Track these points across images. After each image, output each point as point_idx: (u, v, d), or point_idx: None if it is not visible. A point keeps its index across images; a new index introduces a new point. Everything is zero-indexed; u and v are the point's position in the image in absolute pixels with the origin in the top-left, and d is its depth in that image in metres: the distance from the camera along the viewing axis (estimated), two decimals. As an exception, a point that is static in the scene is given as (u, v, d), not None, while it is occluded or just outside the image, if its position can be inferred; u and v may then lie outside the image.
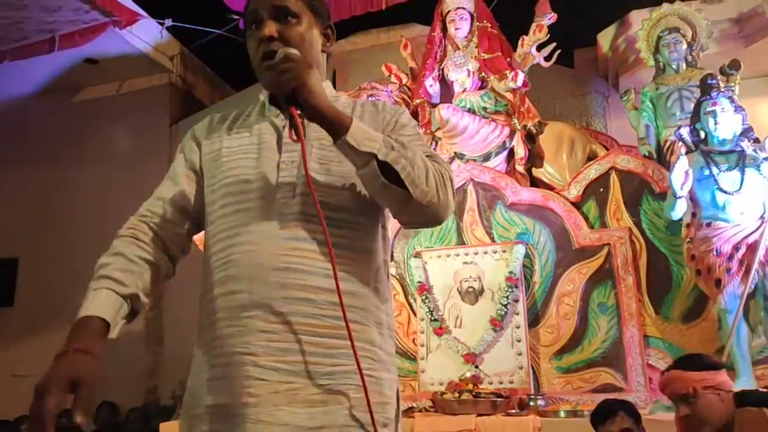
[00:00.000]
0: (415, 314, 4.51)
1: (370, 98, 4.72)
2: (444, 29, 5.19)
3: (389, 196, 1.26)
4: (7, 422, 5.00)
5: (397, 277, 4.60)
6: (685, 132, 4.11)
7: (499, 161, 4.78)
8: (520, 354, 4.13)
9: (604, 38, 5.89)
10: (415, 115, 4.87)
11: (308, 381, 1.22)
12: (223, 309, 1.27)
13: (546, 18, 4.81)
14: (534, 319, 4.28)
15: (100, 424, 5.50)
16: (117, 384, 5.79)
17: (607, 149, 4.89)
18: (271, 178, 1.33)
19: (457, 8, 5.10)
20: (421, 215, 1.29)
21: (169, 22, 6.11)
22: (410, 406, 4.07)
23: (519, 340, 4.16)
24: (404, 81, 5.27)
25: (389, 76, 5.31)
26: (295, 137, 1.22)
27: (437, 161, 1.33)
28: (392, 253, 4.56)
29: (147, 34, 6.25)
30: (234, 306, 1.26)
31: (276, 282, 1.24)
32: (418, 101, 5.09)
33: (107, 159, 6.05)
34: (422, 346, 4.36)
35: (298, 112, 1.23)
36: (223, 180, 1.36)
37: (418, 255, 4.56)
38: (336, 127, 1.23)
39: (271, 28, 1.31)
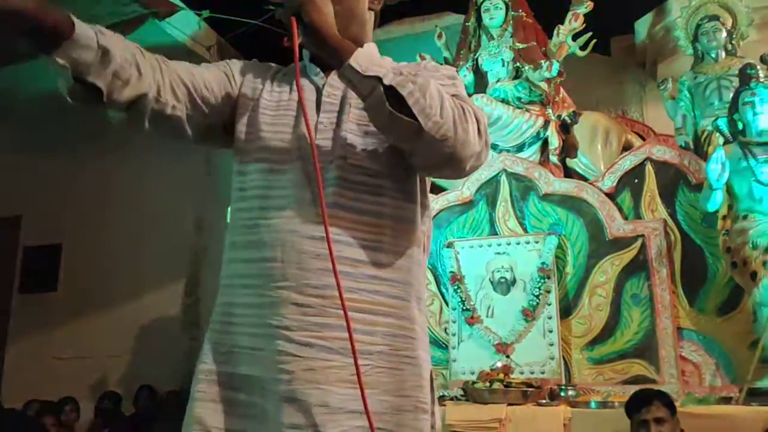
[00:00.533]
0: (447, 304, 4.53)
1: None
2: (478, 19, 5.16)
3: (398, 130, 1.13)
4: (51, 402, 5.17)
5: (429, 266, 4.62)
6: (722, 123, 4.05)
7: (532, 151, 4.76)
8: (551, 344, 4.13)
9: (642, 26, 5.79)
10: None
11: (346, 360, 1.13)
12: (254, 276, 1.21)
13: (582, 6, 4.75)
14: (566, 309, 4.27)
15: (140, 406, 5.65)
16: (155, 368, 5.97)
17: (643, 139, 4.84)
18: (308, 140, 1.24)
19: (492, -3, 5.07)
20: (436, 153, 1.14)
21: (206, 13, 6.19)
22: (442, 394, 4.11)
23: (551, 331, 4.16)
24: (438, 71, 5.25)
25: (423, 65, 5.30)
26: (288, 43, 1.17)
27: (463, 100, 1.19)
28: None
29: (185, 25, 6.34)
30: (265, 274, 1.19)
31: (311, 251, 1.17)
32: (451, 91, 5.07)
33: (146, 148, 6.12)
34: (454, 335, 4.39)
35: (300, 27, 1.17)
36: (259, 134, 1.29)
37: (450, 245, 4.58)
38: (339, 52, 1.16)
39: None
